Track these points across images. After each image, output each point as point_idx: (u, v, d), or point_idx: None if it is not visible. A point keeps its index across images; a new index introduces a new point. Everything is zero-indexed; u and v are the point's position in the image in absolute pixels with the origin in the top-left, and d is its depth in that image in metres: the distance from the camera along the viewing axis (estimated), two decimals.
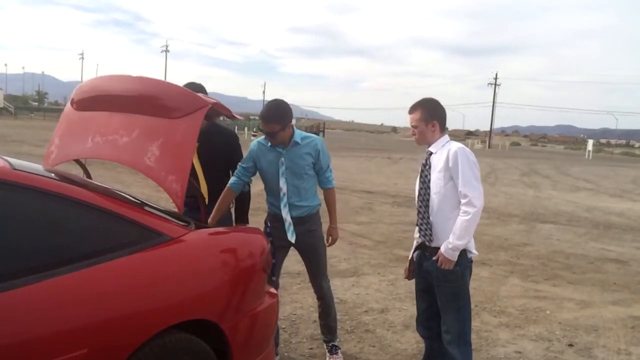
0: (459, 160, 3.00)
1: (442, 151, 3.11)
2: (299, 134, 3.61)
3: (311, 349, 4.00)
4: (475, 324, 4.68)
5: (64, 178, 2.49)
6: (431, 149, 3.19)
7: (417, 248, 3.32)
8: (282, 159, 3.56)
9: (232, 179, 3.64)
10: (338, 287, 5.44)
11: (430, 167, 3.16)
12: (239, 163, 3.65)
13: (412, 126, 3.23)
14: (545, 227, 10.05)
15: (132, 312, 2.19)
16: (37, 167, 2.64)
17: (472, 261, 3.19)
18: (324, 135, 70.28)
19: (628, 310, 5.32)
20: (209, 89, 3.82)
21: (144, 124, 2.84)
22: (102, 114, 3.01)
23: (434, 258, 3.11)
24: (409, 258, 3.43)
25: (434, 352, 3.37)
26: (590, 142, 55.36)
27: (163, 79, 3.41)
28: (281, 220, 3.62)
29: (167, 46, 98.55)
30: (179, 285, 2.41)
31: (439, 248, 3.08)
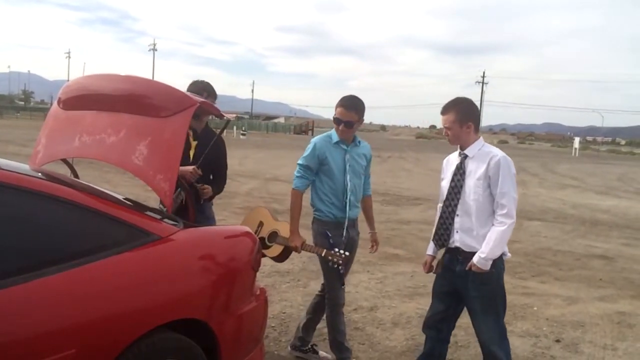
0: (500, 171, 2.94)
1: (481, 157, 3.02)
2: (357, 136, 3.64)
3: None
4: (463, 320, 4.69)
5: (51, 178, 2.48)
6: (467, 152, 3.08)
7: (447, 251, 3.20)
8: (347, 155, 3.56)
9: (300, 181, 3.55)
10: None
11: (464, 172, 3.07)
12: (299, 162, 3.56)
13: (445, 127, 3.12)
14: (533, 224, 10.13)
15: (121, 311, 2.18)
16: (24, 166, 2.62)
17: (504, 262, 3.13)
18: (312, 134, 70.27)
19: (614, 306, 5.38)
20: None
21: (132, 123, 2.83)
22: (90, 113, 3.00)
23: (467, 268, 3.02)
24: (429, 254, 3.32)
25: (434, 353, 3.32)
26: (577, 139, 55.78)
27: (151, 78, 3.40)
28: (341, 226, 3.55)
29: (154, 45, 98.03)
30: (168, 285, 2.40)
31: (471, 252, 3.01)
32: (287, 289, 5.29)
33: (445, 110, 3.12)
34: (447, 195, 3.13)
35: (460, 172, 3.08)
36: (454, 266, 3.14)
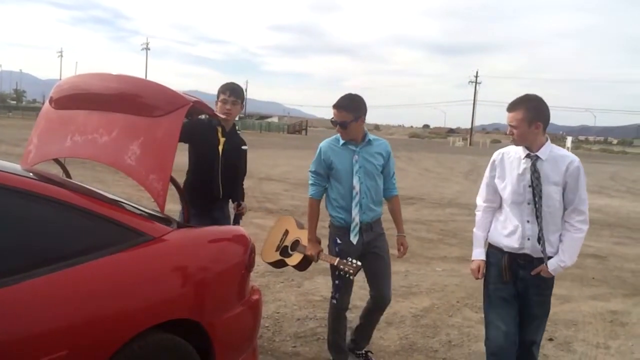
0: (580, 177, 2.86)
1: (556, 160, 2.88)
2: (369, 134, 3.53)
3: (294, 347, 4.00)
4: (457, 319, 4.72)
5: (43, 178, 2.46)
6: (540, 154, 2.89)
7: (511, 256, 3.00)
8: (356, 156, 3.44)
9: (313, 189, 3.55)
10: (322, 285, 5.44)
11: (539, 176, 2.87)
12: (310, 170, 3.57)
13: (510, 125, 2.91)
14: None
15: (114, 312, 2.17)
16: (15, 166, 2.61)
17: None
18: (306, 134, 70.14)
19: (607, 304, 5.41)
20: (190, 87, 3.85)
21: (124, 122, 2.81)
22: (82, 112, 2.98)
23: (533, 272, 2.93)
24: (481, 259, 3.13)
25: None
26: (569, 139, 56.05)
27: (143, 77, 3.39)
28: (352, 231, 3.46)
29: (147, 44, 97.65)
30: (162, 285, 2.39)
31: (538, 258, 2.93)
32: (281, 289, 5.28)
33: (513, 107, 2.90)
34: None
35: (535, 176, 2.88)
36: (516, 271, 2.99)
